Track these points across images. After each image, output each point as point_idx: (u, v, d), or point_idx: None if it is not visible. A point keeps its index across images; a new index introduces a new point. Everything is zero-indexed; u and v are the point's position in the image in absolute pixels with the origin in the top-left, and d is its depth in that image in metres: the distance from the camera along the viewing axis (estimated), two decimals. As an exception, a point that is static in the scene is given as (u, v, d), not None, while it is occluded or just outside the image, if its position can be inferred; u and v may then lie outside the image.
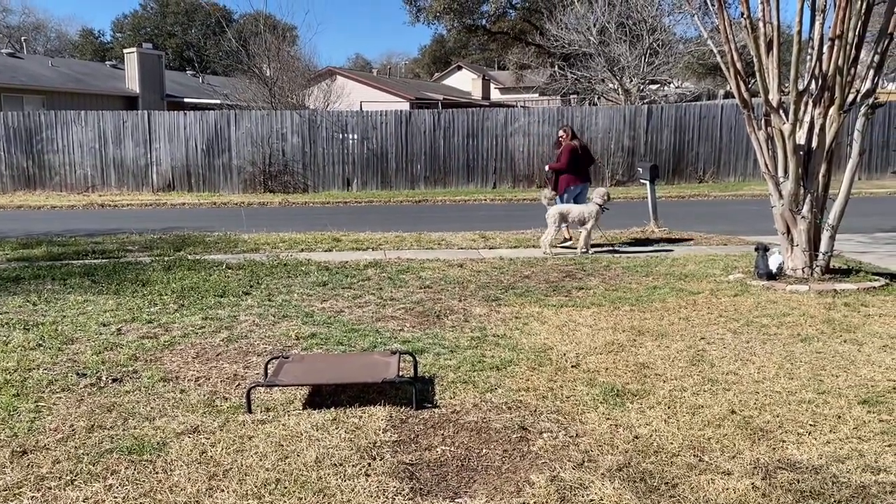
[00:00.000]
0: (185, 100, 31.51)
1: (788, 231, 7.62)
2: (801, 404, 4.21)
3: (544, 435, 3.84)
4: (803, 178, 7.39)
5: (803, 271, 7.54)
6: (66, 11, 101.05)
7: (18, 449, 3.70)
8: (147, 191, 20.72)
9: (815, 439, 3.74)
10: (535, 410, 4.17)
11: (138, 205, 18.64)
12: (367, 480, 3.35)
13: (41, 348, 5.43)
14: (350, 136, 20.94)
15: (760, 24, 7.26)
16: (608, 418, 4.04)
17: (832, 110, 7.19)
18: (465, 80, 51.46)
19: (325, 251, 10.12)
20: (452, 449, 3.70)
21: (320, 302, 6.99)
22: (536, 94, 41.35)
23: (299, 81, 25.42)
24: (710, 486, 3.28)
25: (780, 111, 7.26)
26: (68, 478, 3.39)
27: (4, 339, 5.66)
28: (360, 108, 24.82)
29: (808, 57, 7.33)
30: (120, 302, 6.91)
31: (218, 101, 28.18)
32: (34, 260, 9.44)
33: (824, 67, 7.06)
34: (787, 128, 7.21)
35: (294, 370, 4.48)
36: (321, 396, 4.41)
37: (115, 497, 3.22)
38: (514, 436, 3.84)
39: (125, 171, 20.78)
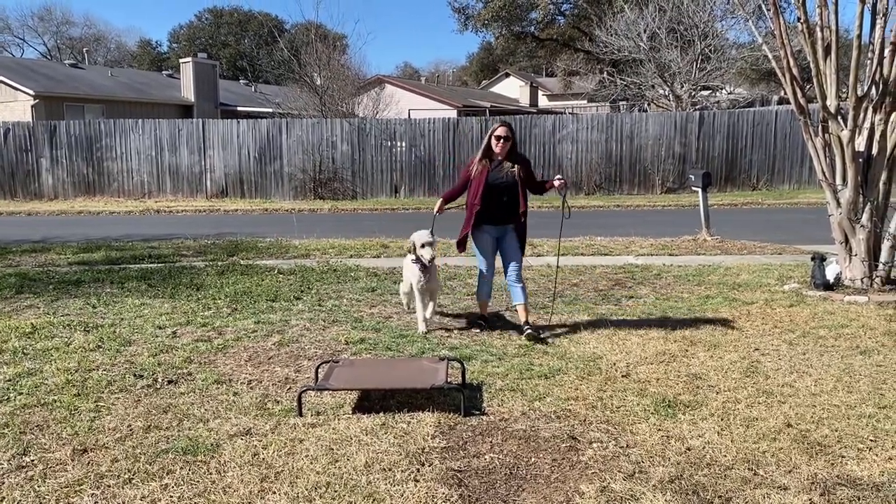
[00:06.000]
0: (238, 108, 32.22)
1: (846, 240, 7.41)
2: (860, 419, 4.08)
3: (594, 445, 3.80)
4: (862, 185, 7.18)
5: (862, 282, 7.32)
6: (126, 23, 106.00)
7: (80, 447, 3.82)
8: (201, 197, 21.20)
9: (877, 455, 3.63)
10: (585, 420, 4.14)
11: (193, 211, 19.09)
12: (416, 486, 3.36)
13: (100, 349, 5.60)
14: (398, 144, 21.09)
15: (818, 29, 7.09)
16: (659, 429, 3.98)
17: (894, 116, 6.99)
18: (512, 88, 51.40)
19: (374, 257, 10.21)
20: (501, 457, 3.69)
21: (369, 307, 7.05)
22: (585, 101, 41.14)
23: (349, 90, 25.79)
24: (765, 500, 3.20)
25: (839, 117, 7.08)
26: (126, 476, 3.49)
27: (66, 340, 5.86)
28: (408, 116, 25.01)
29: (868, 61, 7.13)
30: (175, 305, 7.08)
31: (270, 110, 28.77)
32: (94, 264, 9.75)
33: (885, 72, 6.87)
34: (845, 134, 7.02)
35: (344, 374, 4.53)
36: (370, 401, 4.45)
37: (171, 496, 3.30)
38: (564, 445, 3.81)
39: (180, 178, 21.30)
